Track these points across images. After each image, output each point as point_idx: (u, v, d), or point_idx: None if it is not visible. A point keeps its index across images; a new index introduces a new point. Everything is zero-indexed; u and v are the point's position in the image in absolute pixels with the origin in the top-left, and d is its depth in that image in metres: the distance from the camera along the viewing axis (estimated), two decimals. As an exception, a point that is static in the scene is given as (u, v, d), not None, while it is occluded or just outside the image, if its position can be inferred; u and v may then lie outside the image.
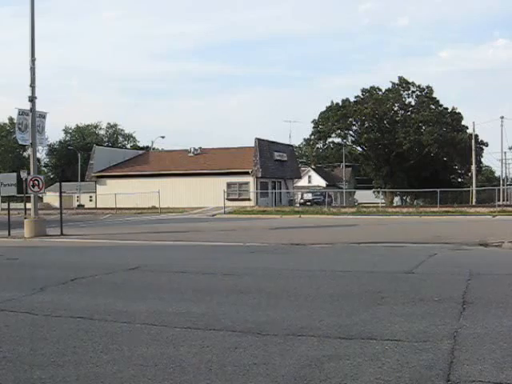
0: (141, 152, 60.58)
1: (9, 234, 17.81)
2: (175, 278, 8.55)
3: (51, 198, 56.92)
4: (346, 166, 71.77)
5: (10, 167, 67.98)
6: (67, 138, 75.31)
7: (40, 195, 32.92)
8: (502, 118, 60.40)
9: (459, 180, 67.26)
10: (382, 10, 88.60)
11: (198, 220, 26.22)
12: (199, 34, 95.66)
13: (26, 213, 19.98)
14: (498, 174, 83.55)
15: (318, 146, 68.11)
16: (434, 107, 62.65)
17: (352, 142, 67.42)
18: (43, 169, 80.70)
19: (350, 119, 64.23)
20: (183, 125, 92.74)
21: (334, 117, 63.13)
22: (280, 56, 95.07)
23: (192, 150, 51.77)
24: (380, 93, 64.79)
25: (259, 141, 46.93)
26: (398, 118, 64.14)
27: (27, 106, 18.65)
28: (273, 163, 48.56)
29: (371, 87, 65.31)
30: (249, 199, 44.52)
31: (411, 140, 60.31)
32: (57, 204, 35.89)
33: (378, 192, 36.30)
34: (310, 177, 79.78)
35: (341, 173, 71.50)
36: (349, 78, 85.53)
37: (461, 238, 14.38)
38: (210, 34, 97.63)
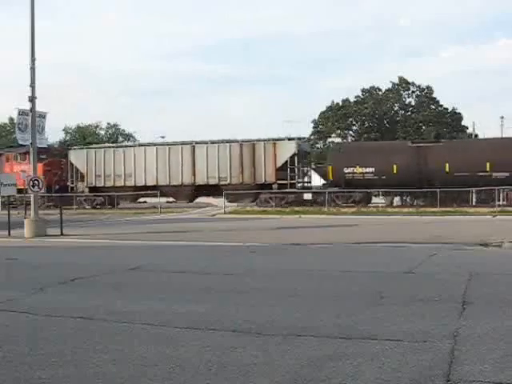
0: None
1: (9, 234, 17.80)
2: (175, 278, 8.55)
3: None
4: (346, 166, 71.64)
5: (10, 167, 67.82)
6: (67, 138, 75.30)
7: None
8: (502, 117, 60.43)
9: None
10: (383, 9, 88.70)
11: (198, 220, 26.22)
12: (199, 33, 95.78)
13: (26, 213, 19.97)
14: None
15: (317, 145, 68.12)
16: (434, 107, 62.67)
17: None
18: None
19: (350, 119, 64.24)
20: (183, 125, 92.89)
21: (334, 117, 63.15)
22: (280, 56, 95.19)
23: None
24: (380, 93, 64.82)
25: (259, 141, 46.82)
26: (398, 118, 64.14)
27: (27, 105, 18.65)
28: (273, 163, 48.43)
29: (371, 87, 65.31)
30: (249, 199, 44.41)
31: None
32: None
33: (378, 192, 36.19)
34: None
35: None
36: (349, 78, 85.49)
37: (461, 238, 14.36)
38: (211, 33, 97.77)
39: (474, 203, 30.10)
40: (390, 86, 65.22)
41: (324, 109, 65.71)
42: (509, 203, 28.68)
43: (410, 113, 64.57)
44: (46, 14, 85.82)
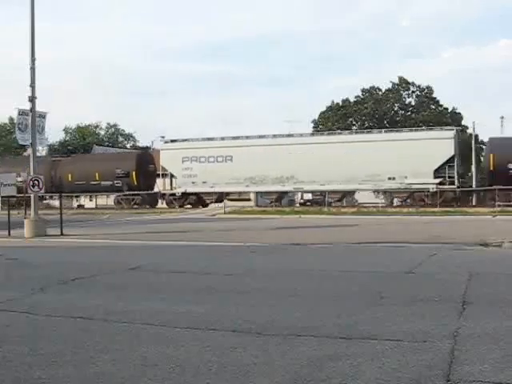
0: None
1: (9, 234, 17.80)
2: (175, 278, 8.55)
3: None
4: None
5: (9, 167, 67.65)
6: (67, 138, 75.27)
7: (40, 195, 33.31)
8: (502, 117, 60.40)
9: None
10: (383, 9, 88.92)
11: (198, 220, 26.24)
12: (199, 33, 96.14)
13: (26, 213, 19.97)
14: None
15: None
16: (434, 107, 62.69)
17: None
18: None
19: (350, 119, 64.28)
20: (183, 125, 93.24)
21: (334, 117, 63.20)
22: (280, 56, 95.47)
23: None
24: (380, 93, 64.84)
25: (259, 141, 46.82)
26: (398, 118, 64.17)
27: (27, 105, 18.65)
28: (273, 163, 48.48)
29: (371, 87, 65.35)
30: (249, 199, 44.48)
31: (411, 140, 60.28)
32: (57, 204, 36.47)
33: (378, 192, 36.34)
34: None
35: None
36: (349, 78, 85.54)
37: (461, 237, 14.36)
38: (211, 33, 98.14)
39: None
40: (390, 85, 65.26)
41: (324, 109, 65.76)
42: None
43: (409, 113, 64.61)
44: (47, 14, 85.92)
